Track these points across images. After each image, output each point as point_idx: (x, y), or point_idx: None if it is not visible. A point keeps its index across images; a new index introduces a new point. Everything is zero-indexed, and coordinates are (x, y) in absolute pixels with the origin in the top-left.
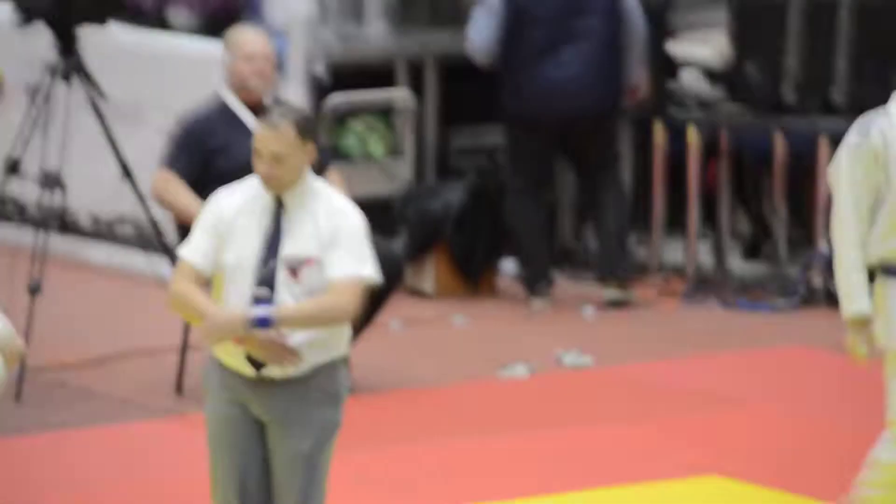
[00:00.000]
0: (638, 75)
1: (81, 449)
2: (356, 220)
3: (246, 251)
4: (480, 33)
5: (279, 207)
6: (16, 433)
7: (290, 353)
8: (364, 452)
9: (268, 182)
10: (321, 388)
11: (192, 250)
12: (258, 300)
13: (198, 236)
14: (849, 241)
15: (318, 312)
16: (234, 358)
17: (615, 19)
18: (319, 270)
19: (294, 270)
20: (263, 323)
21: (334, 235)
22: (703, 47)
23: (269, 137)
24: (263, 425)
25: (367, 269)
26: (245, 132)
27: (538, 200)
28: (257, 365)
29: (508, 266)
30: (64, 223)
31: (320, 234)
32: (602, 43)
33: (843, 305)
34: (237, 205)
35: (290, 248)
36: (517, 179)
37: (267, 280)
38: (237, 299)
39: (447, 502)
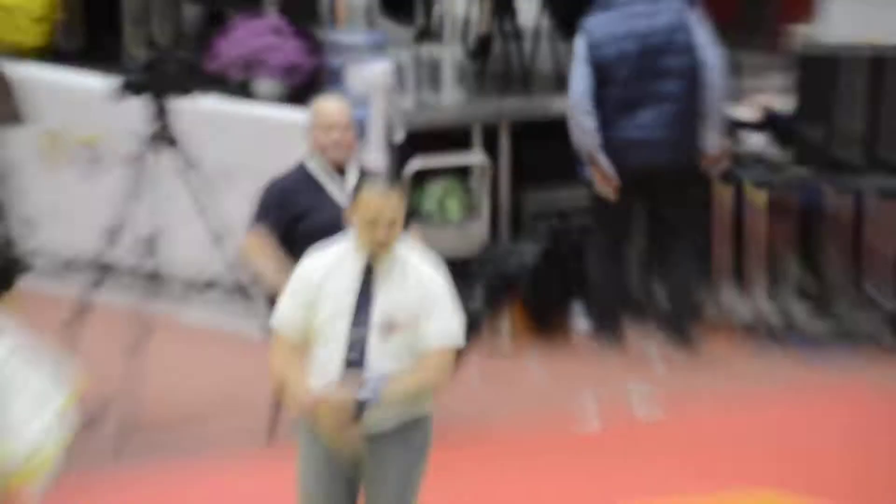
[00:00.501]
0: (714, 142)
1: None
2: (444, 285)
3: (336, 315)
4: (578, 84)
5: (369, 271)
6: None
7: (353, 445)
8: (438, 495)
9: (383, 246)
10: (409, 441)
11: (281, 320)
12: (349, 364)
13: (287, 304)
14: None
15: (418, 390)
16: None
17: (693, 84)
18: (408, 334)
19: (385, 334)
20: (367, 404)
21: (424, 303)
22: (749, 109)
23: (385, 204)
24: (353, 475)
25: (457, 334)
26: (326, 196)
27: (617, 255)
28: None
29: (579, 314)
30: (158, 285)
31: (409, 299)
32: (678, 107)
33: None
34: (326, 269)
35: (381, 312)
36: (599, 235)
37: (358, 343)
38: (328, 362)
39: None
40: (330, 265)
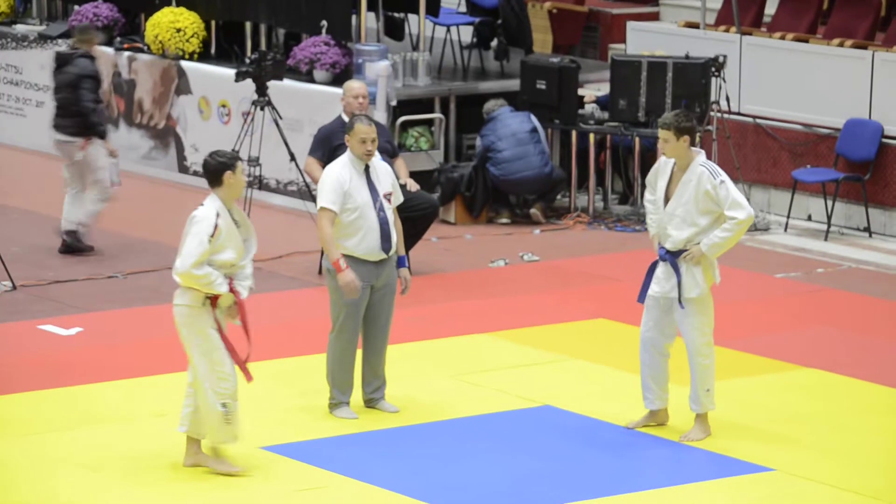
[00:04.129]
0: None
1: (259, 304)
2: (392, 172)
3: (364, 196)
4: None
5: (368, 170)
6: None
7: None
8: (412, 307)
9: (370, 155)
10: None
11: (330, 203)
12: (381, 220)
13: (332, 194)
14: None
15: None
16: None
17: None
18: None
19: (388, 198)
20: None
21: (393, 181)
22: (588, 90)
23: (372, 131)
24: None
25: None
26: None
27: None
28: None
29: (495, 206)
30: (261, 184)
31: (388, 181)
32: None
33: None
34: (348, 174)
35: (382, 189)
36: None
37: (381, 206)
38: (370, 223)
39: (444, 331)
40: (349, 171)
